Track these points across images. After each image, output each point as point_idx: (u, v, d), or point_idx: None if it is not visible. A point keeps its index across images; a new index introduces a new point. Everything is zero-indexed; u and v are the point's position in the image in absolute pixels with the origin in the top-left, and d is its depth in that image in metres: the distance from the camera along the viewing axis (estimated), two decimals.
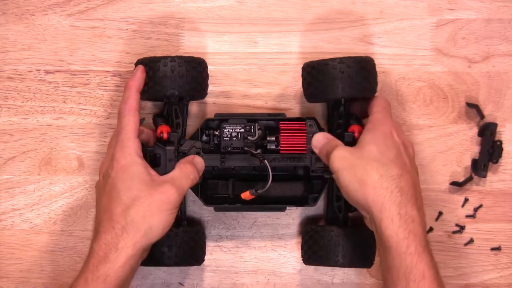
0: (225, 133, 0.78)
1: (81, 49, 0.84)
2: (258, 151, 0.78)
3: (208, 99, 0.84)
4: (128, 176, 0.71)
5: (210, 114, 0.83)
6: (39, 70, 0.84)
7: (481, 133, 0.84)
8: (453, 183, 0.84)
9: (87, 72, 0.84)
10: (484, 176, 0.84)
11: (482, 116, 0.83)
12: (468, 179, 0.84)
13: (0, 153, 0.84)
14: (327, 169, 0.77)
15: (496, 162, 0.83)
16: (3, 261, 0.84)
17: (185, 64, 0.75)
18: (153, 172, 0.73)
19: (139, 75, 0.75)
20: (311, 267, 0.84)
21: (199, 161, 0.77)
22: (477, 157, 0.84)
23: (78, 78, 0.84)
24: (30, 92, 0.84)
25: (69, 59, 0.84)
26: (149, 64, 0.75)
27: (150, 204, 0.70)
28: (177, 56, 0.75)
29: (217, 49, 0.85)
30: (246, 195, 0.76)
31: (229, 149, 0.78)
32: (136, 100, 0.74)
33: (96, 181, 0.77)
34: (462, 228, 0.85)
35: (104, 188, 0.72)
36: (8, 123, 0.84)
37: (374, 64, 0.77)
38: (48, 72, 0.84)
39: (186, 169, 0.74)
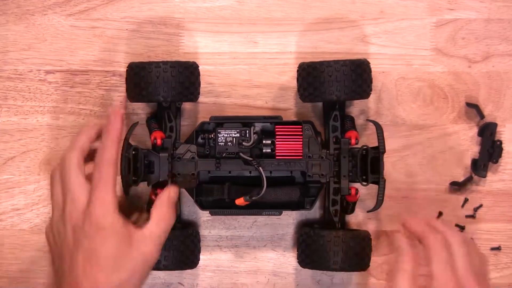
0: (220, 138, 0.78)
1: (81, 49, 0.85)
2: (251, 153, 0.78)
3: (208, 99, 0.84)
4: (108, 237, 0.66)
5: (210, 114, 0.83)
6: (39, 70, 0.84)
7: (481, 133, 0.84)
8: (453, 183, 0.84)
9: (87, 72, 0.84)
10: (484, 176, 0.83)
11: (482, 116, 0.83)
12: (468, 179, 0.84)
13: (0, 153, 0.84)
14: (323, 174, 0.77)
15: (496, 162, 0.83)
16: (3, 261, 0.84)
17: (170, 70, 0.75)
18: (132, 228, 0.69)
19: (119, 125, 0.70)
20: None
21: (173, 193, 0.74)
22: (477, 157, 0.84)
23: (78, 78, 0.84)
24: (30, 92, 0.84)
25: (69, 59, 0.84)
26: (136, 70, 0.76)
27: (133, 268, 0.67)
28: (162, 61, 0.76)
29: (217, 49, 0.85)
30: (240, 201, 0.76)
31: (224, 154, 0.78)
32: (117, 151, 0.69)
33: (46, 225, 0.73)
34: (462, 228, 0.85)
35: (77, 245, 0.67)
36: (8, 123, 0.84)
37: (367, 66, 0.77)
38: (48, 72, 0.84)
39: (163, 215, 0.71)
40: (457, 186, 0.84)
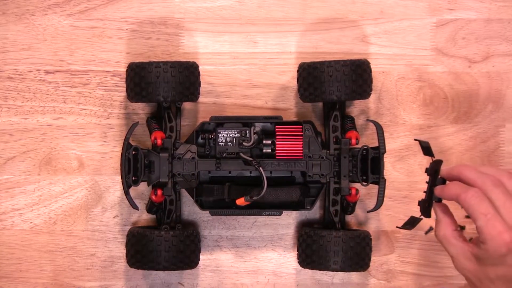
0: (220, 138, 0.78)
1: (81, 49, 0.85)
2: (251, 153, 0.78)
3: (208, 99, 0.84)
4: None
5: (210, 114, 0.83)
6: (39, 70, 0.84)
7: (429, 171, 0.73)
8: (401, 227, 0.76)
9: (87, 72, 0.84)
10: (429, 216, 0.73)
11: (432, 155, 0.74)
12: (416, 221, 0.75)
13: (0, 153, 0.84)
14: (323, 174, 0.78)
15: (440, 200, 0.73)
16: (3, 261, 0.84)
17: (170, 70, 0.75)
18: None
19: None
20: None
21: None
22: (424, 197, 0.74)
23: (78, 78, 0.84)
24: (30, 92, 0.84)
25: (69, 59, 0.84)
26: (136, 70, 0.76)
27: None
28: (162, 62, 0.76)
29: (217, 49, 0.85)
30: (241, 201, 0.76)
31: (224, 154, 0.78)
32: None
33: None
34: (462, 228, 0.84)
35: None
36: (8, 123, 0.84)
37: (367, 67, 0.77)
38: (48, 72, 0.84)
39: None
40: (405, 229, 0.76)
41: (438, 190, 0.70)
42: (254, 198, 0.75)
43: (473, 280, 0.68)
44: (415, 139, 0.75)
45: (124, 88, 0.81)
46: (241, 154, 0.77)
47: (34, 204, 0.84)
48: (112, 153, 0.84)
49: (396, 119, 0.85)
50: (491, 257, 0.65)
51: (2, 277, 0.84)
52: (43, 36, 0.84)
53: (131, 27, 0.85)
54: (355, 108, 0.85)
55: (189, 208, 0.85)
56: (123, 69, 0.84)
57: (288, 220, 0.85)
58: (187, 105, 0.84)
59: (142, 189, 0.84)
